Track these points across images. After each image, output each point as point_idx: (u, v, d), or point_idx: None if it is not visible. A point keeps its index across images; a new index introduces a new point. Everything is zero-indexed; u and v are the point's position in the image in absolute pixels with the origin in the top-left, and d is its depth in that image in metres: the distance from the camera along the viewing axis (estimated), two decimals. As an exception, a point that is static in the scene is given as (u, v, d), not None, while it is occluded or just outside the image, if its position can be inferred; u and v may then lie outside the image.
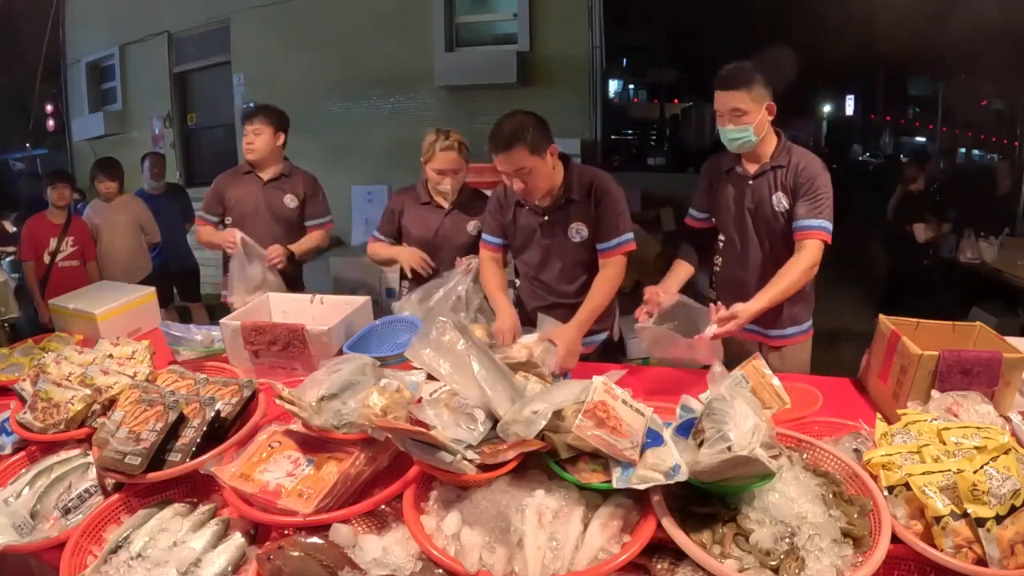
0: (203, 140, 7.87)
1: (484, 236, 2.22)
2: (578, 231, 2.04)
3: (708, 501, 1.09)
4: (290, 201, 2.74)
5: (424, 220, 2.38)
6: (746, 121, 1.86)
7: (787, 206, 1.91)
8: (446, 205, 2.38)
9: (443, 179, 2.30)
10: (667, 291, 1.96)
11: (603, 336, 2.23)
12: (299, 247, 2.71)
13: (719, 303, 1.78)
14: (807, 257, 1.84)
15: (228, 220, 2.70)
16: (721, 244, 2.12)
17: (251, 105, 2.79)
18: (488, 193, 2.34)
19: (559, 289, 2.13)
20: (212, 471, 1.20)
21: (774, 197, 1.93)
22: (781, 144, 1.95)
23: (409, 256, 2.34)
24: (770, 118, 1.90)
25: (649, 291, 1.92)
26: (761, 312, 1.79)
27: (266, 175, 2.71)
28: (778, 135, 1.96)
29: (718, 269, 2.16)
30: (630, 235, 2.02)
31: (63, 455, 1.46)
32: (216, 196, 2.71)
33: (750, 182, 1.97)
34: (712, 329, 1.73)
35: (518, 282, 2.27)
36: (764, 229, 1.98)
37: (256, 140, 2.65)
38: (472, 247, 2.38)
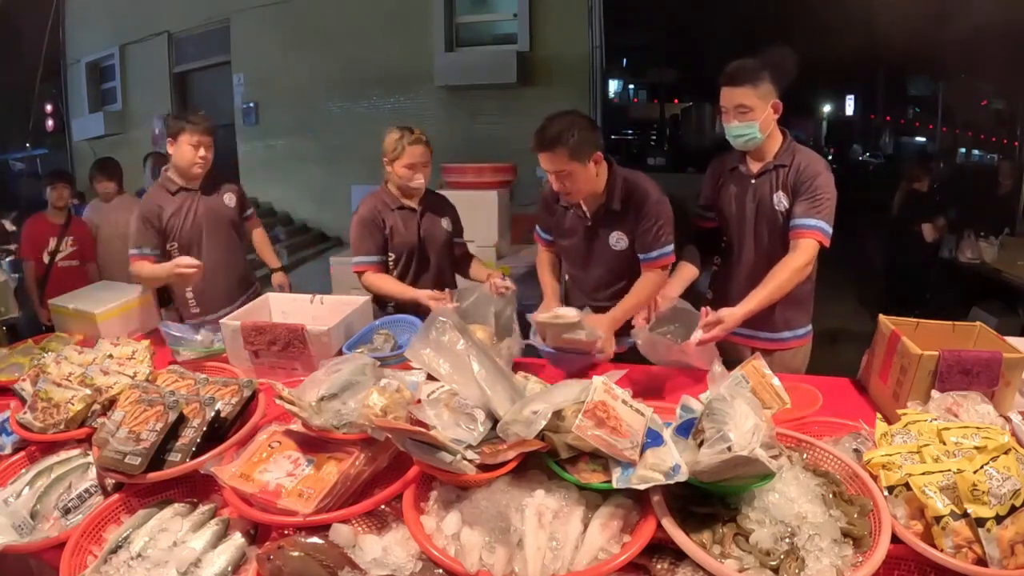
0: (203, 140, 7.86)
1: (538, 230, 2.24)
2: (619, 240, 2.02)
3: (708, 501, 1.09)
4: (229, 200, 2.52)
5: (405, 225, 2.32)
6: (751, 117, 1.85)
7: (787, 206, 1.90)
8: (416, 206, 2.34)
9: (415, 174, 2.26)
10: (669, 294, 1.96)
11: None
12: (274, 259, 2.83)
13: (707, 308, 1.77)
14: (800, 256, 1.81)
15: (174, 247, 2.38)
16: (723, 244, 2.11)
17: (167, 115, 2.56)
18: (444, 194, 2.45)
19: (596, 294, 2.12)
20: (212, 471, 1.20)
21: (775, 196, 1.91)
22: (786, 143, 1.93)
23: (430, 296, 2.13)
24: (775, 116, 1.89)
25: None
26: (748, 316, 1.76)
27: (197, 184, 2.43)
28: (783, 135, 1.95)
29: (716, 269, 2.15)
30: (670, 247, 1.97)
31: (63, 455, 1.46)
32: (151, 225, 2.34)
33: (752, 181, 1.96)
34: (697, 335, 1.72)
35: (567, 276, 2.29)
36: (764, 229, 1.96)
37: (209, 154, 2.39)
38: (449, 245, 2.41)
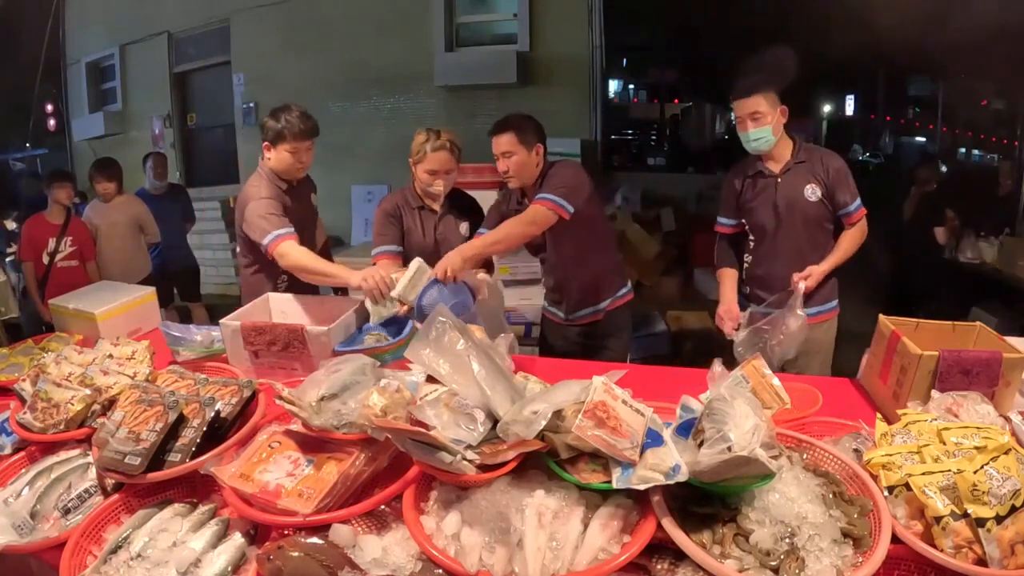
0: (203, 140, 7.87)
1: (481, 230, 2.31)
2: None
3: (708, 501, 1.09)
4: (314, 200, 2.61)
5: (421, 225, 2.34)
6: (765, 122, 2.14)
7: (820, 195, 2.18)
8: (438, 208, 2.35)
9: (435, 180, 2.25)
10: (730, 302, 2.30)
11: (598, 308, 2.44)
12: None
13: (796, 274, 2.11)
14: (859, 233, 2.20)
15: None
16: (752, 243, 2.33)
17: (254, 108, 2.65)
18: (470, 193, 2.51)
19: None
20: (212, 471, 1.20)
21: (807, 188, 2.18)
22: (798, 144, 2.22)
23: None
24: (783, 120, 2.17)
25: (723, 312, 2.28)
26: (825, 273, 2.16)
27: (296, 182, 2.43)
28: (792, 139, 2.22)
29: (748, 266, 2.37)
30: (552, 197, 2.12)
31: (63, 455, 1.46)
32: (285, 205, 2.30)
33: (778, 180, 2.22)
34: (802, 286, 2.08)
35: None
36: (798, 218, 2.20)
37: (308, 157, 2.34)
38: None
